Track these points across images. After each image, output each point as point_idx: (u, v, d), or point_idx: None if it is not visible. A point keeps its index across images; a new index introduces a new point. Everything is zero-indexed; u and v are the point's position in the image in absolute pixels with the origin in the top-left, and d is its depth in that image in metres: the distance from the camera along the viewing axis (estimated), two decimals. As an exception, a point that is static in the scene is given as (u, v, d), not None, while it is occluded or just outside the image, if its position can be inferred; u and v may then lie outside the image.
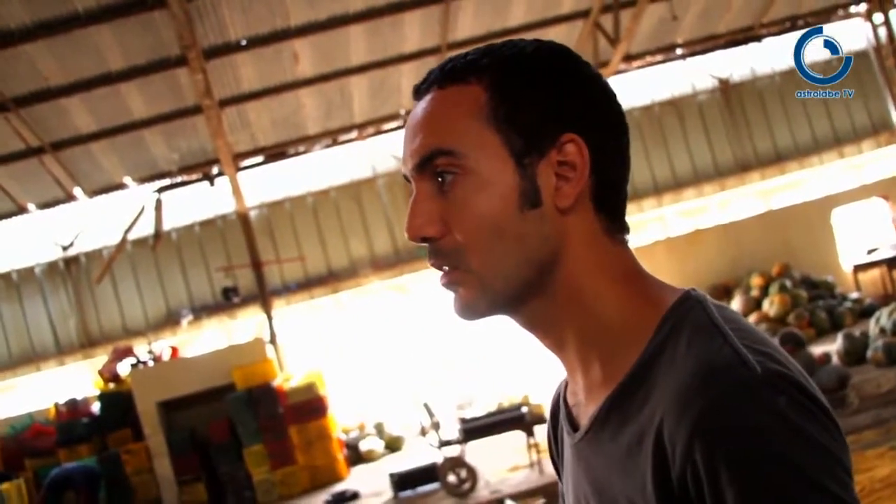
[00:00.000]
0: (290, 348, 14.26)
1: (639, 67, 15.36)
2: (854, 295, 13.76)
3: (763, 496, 0.79)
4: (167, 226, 14.83)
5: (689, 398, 0.83)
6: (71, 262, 15.31)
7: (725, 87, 16.93)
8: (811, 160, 17.01)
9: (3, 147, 12.43)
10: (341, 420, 12.95)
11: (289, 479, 11.58)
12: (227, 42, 11.78)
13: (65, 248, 15.28)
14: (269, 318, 13.72)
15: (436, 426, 9.45)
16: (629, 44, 12.99)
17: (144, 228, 14.56)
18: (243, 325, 15.28)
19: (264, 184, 15.31)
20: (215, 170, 14.31)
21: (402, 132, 1.50)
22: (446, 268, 0.98)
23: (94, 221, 15.11)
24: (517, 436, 9.41)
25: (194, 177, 14.49)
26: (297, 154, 14.77)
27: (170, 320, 15.08)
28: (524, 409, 9.38)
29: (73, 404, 12.35)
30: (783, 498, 0.79)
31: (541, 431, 8.92)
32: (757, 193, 17.06)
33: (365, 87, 13.61)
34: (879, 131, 17.17)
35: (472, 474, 8.99)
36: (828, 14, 16.04)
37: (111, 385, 12.58)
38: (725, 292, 14.04)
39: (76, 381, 14.46)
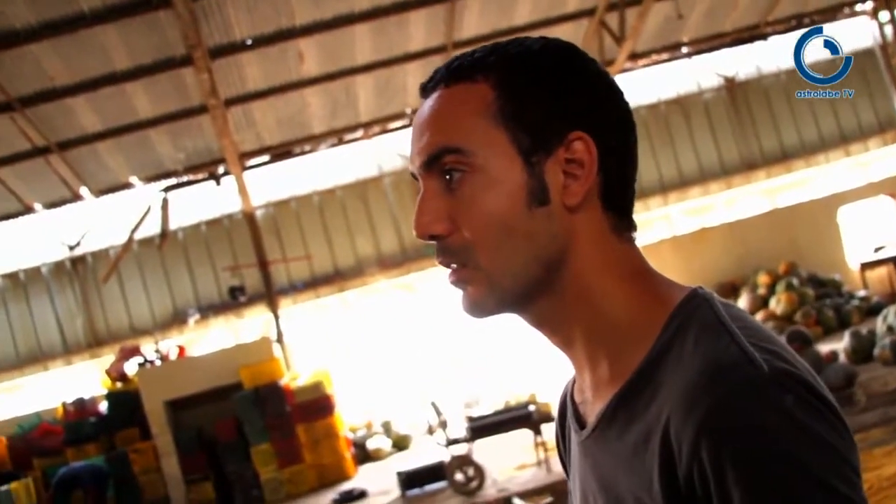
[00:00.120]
0: (297, 347, 14.28)
1: (644, 66, 15.33)
2: (861, 293, 13.75)
3: (770, 495, 0.79)
4: (173, 225, 14.87)
5: (696, 396, 0.83)
6: (78, 261, 15.33)
7: (731, 86, 16.89)
8: (817, 158, 16.97)
9: (9, 147, 12.46)
10: (348, 419, 12.96)
11: (296, 477, 11.59)
12: (232, 41, 11.79)
13: (71, 248, 15.31)
14: (276, 317, 13.76)
15: (443, 424, 9.45)
16: (635, 42, 12.95)
17: (151, 228, 14.60)
18: (250, 324, 15.29)
19: (270, 183, 15.32)
20: (221, 169, 14.34)
21: (408, 131, 1.50)
22: (455, 266, 0.98)
23: (100, 221, 15.13)
24: (524, 434, 9.40)
25: (200, 176, 14.51)
26: (303, 153, 14.77)
27: (176, 319, 15.10)
28: (531, 408, 9.35)
29: (80, 404, 12.36)
30: (790, 497, 0.78)
31: (548, 430, 8.90)
32: (763, 192, 17.01)
33: (370, 86, 13.61)
34: (886, 129, 17.12)
35: (480, 473, 8.98)
36: (833, 12, 15.99)
37: (118, 384, 12.59)
38: (732, 290, 14.01)
39: (83, 380, 14.47)
